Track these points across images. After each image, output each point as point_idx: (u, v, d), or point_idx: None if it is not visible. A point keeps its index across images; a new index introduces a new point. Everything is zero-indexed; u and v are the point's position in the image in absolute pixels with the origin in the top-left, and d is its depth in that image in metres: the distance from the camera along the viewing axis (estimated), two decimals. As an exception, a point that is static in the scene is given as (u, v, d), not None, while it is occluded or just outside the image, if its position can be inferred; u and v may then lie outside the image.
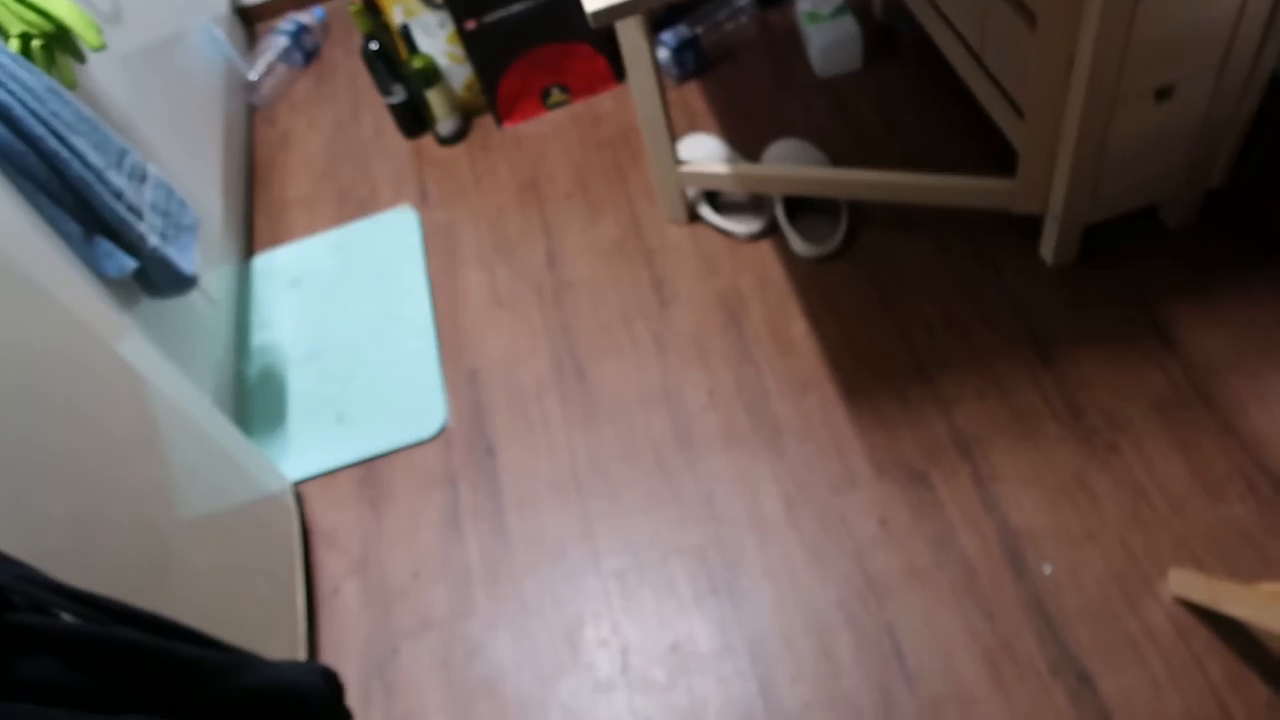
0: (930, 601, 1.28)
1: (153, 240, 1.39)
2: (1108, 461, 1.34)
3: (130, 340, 1.30)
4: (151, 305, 1.49)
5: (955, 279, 1.58)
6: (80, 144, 1.30)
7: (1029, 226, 1.58)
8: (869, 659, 1.26)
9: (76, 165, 1.28)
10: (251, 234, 2.03)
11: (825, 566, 1.34)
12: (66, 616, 0.73)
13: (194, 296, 1.68)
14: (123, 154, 1.41)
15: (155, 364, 1.34)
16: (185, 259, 1.47)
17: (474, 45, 1.92)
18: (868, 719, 1.21)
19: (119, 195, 1.36)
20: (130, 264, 1.36)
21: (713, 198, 1.77)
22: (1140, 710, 1.15)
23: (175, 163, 1.73)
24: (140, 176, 1.45)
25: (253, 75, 2.24)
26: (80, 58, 1.49)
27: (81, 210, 1.31)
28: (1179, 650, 1.18)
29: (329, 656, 1.42)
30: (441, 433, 1.62)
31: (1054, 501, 1.33)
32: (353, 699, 1.38)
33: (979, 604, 1.27)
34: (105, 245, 1.34)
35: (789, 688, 1.26)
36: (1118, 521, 1.29)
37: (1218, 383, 1.38)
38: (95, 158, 1.33)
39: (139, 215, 1.40)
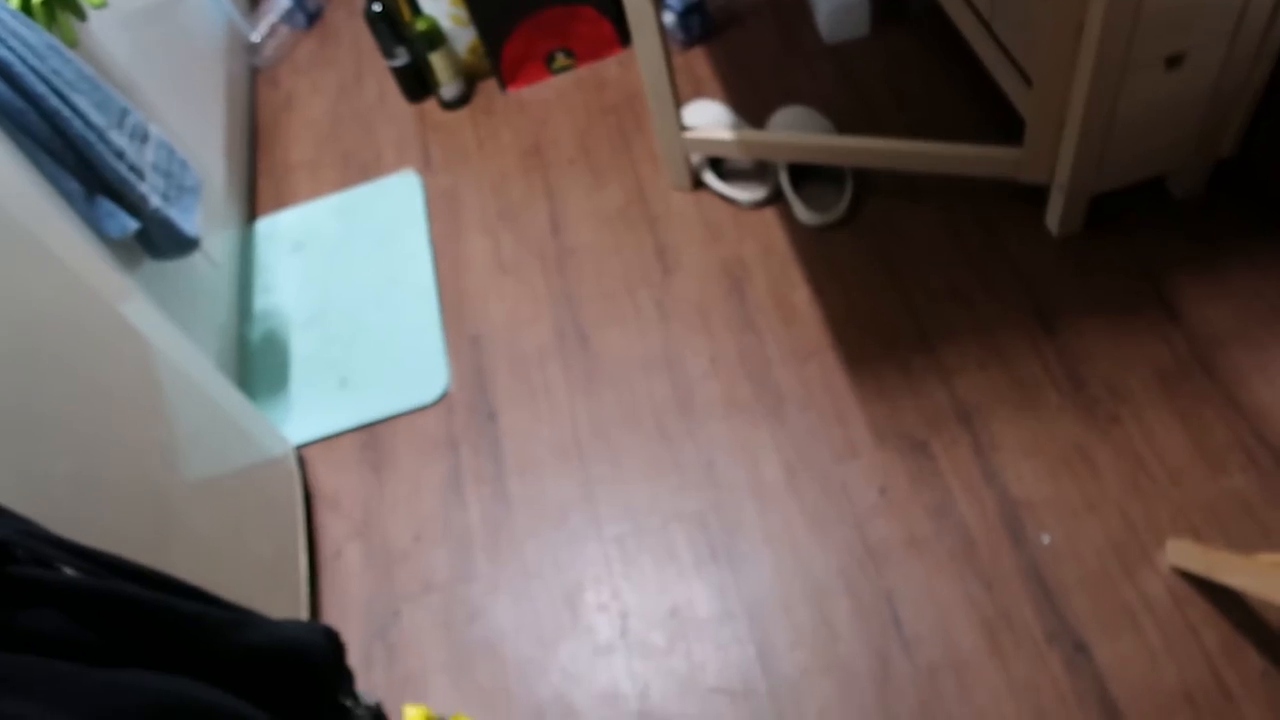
0: (929, 570, 1.29)
1: (154, 201, 1.39)
2: (1108, 432, 1.34)
3: (133, 302, 1.30)
4: (154, 267, 1.49)
5: (960, 248, 1.57)
6: (81, 102, 1.30)
7: (1035, 196, 1.57)
8: (867, 626, 1.26)
9: (78, 124, 1.27)
10: (254, 197, 2.03)
11: (825, 534, 1.35)
12: (68, 570, 0.73)
13: (196, 259, 1.67)
14: (124, 113, 1.40)
15: (158, 326, 1.35)
16: (187, 220, 1.47)
17: (478, 7, 1.90)
18: (865, 685, 1.22)
19: (120, 155, 1.35)
20: (132, 224, 1.35)
21: (717, 165, 1.76)
22: (1135, 679, 1.16)
23: (177, 124, 1.72)
24: (142, 136, 1.44)
25: (255, 37, 2.22)
26: (81, 15, 1.47)
27: (83, 169, 1.30)
28: (1175, 620, 1.19)
29: (331, 619, 1.43)
30: (443, 397, 1.62)
31: (1054, 471, 1.33)
32: (355, 661, 1.39)
33: (977, 573, 1.27)
34: (107, 205, 1.34)
35: (787, 653, 1.27)
36: (1117, 492, 1.29)
37: (1221, 354, 1.38)
38: (96, 117, 1.32)
39: (141, 175, 1.39)
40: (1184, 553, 1.21)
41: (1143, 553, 1.24)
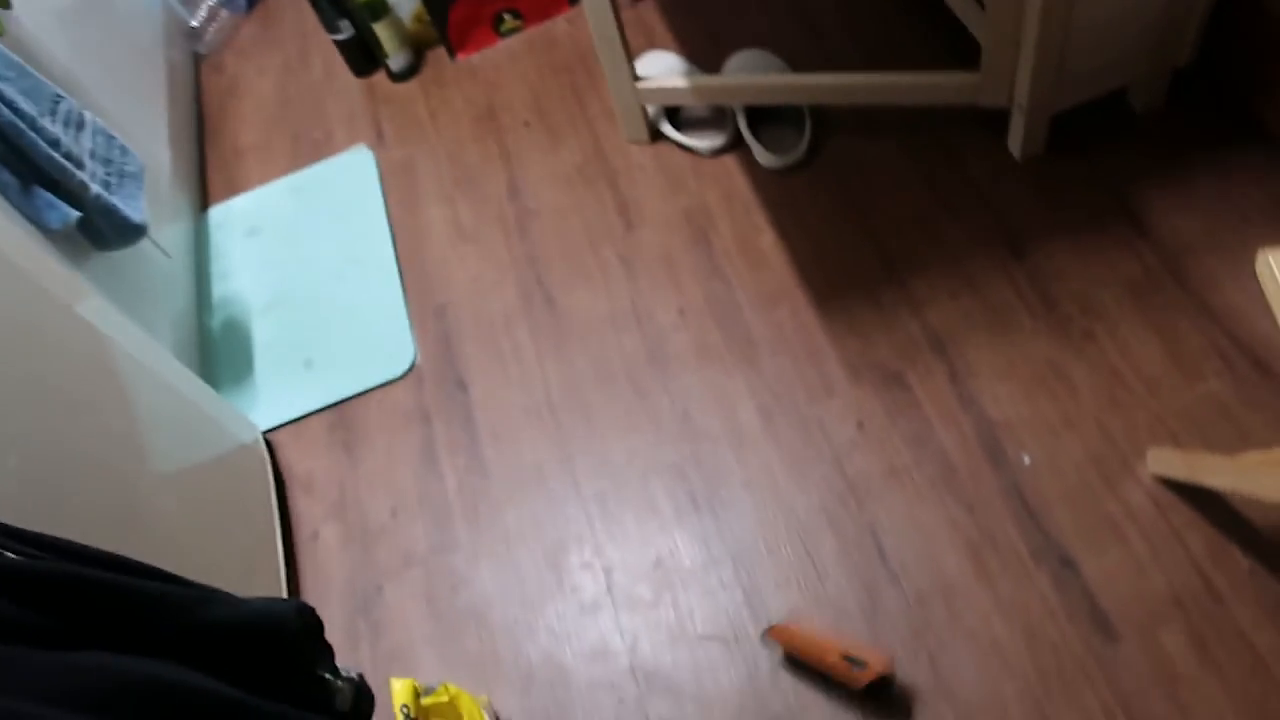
0: (911, 499, 1.27)
1: (95, 188, 1.35)
2: (1083, 349, 1.33)
3: (85, 297, 1.26)
4: (105, 262, 1.45)
5: (923, 180, 1.55)
6: (7, 90, 1.25)
7: (995, 122, 1.55)
8: (853, 560, 1.25)
9: (5, 112, 1.23)
10: (205, 185, 1.98)
11: (805, 473, 1.33)
12: (9, 555, 0.71)
13: (149, 251, 1.63)
14: (56, 100, 1.36)
15: (113, 320, 1.31)
16: (132, 207, 1.43)
17: (418, -27, 1.86)
18: (855, 618, 1.21)
19: (55, 143, 1.31)
20: (73, 214, 1.32)
21: (674, 115, 1.73)
22: (1123, 589, 1.15)
23: (118, 114, 1.67)
24: (77, 124, 1.40)
25: (194, 21, 2.17)
26: (6, 3, 1.43)
27: (16, 160, 1.27)
28: (1160, 528, 1.18)
29: (312, 600, 1.41)
30: (411, 370, 1.60)
31: (1030, 392, 1.31)
32: (340, 639, 1.37)
33: (959, 498, 1.26)
34: (45, 196, 1.30)
35: (774, 594, 1.25)
36: (1094, 407, 1.28)
37: (1191, 262, 1.36)
38: (26, 105, 1.28)
39: (78, 164, 1.35)
40: (1165, 460, 1.20)
41: (1123, 464, 1.23)
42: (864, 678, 1.12)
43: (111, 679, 0.64)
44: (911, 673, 1.16)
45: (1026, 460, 1.26)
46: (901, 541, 1.25)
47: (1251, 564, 1.14)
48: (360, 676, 1.02)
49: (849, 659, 1.14)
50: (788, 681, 1.19)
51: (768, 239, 1.56)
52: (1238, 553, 1.15)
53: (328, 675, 0.94)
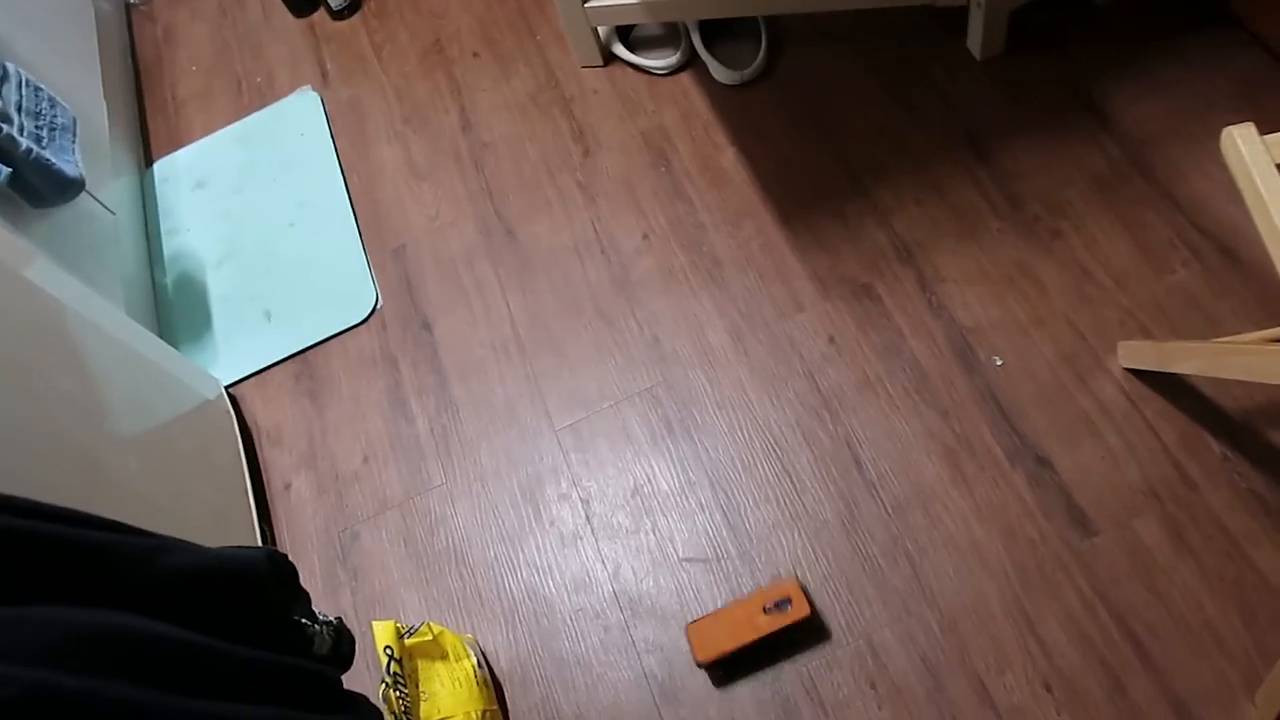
0: (885, 409, 1.27)
1: (25, 143, 1.29)
2: (1051, 248, 1.32)
3: (34, 262, 1.22)
4: (49, 224, 1.40)
5: (883, 87, 1.51)
6: (-81, 42, 1.19)
7: (954, 22, 1.51)
8: (829, 472, 1.25)
9: (-81, 66, 1.17)
10: (147, 139, 1.91)
11: (778, 390, 1.32)
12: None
13: (93, 209, 1.58)
14: (-27, 52, 1.30)
15: (59, 281, 1.26)
16: (66, 161, 1.37)
17: (349, -99, 1.78)
18: (834, 530, 1.21)
19: (-23, 97, 1.25)
20: (3, 170, 1.26)
21: (626, 35, 1.68)
22: (1099, 483, 1.16)
23: (46, 67, 1.60)
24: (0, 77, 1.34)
25: (120, -31, 2.07)
26: (-92, -47, 1.35)
27: (-64, 116, 1.21)
28: (1133, 420, 1.18)
29: (290, 551, 1.39)
30: (373, 314, 1.56)
31: (999, 295, 1.30)
32: (320, 588, 1.36)
33: (933, 404, 1.25)
34: (-28, 153, 1.24)
35: (754, 512, 1.25)
36: (1064, 305, 1.27)
37: (1155, 153, 1.34)
38: (-60, 57, 1.22)
39: (5, 118, 1.29)
40: (1136, 352, 1.20)
41: (1095, 360, 1.23)
42: (799, 610, 1.13)
43: (62, 630, 0.62)
44: (893, 580, 1.17)
45: (998, 362, 1.26)
46: (878, 451, 1.24)
47: (1224, 450, 1.14)
48: (339, 620, 1.01)
49: (773, 608, 1.14)
50: (771, 597, 1.19)
51: (729, 157, 1.52)
52: (1210, 440, 1.15)
53: (304, 620, 0.93)
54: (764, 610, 1.15)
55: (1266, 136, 0.86)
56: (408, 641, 1.17)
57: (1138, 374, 1.20)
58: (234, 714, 0.68)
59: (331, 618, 0.99)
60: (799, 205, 1.45)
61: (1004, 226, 1.35)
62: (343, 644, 0.98)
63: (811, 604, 1.15)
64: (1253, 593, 1.07)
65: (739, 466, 1.28)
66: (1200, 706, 1.03)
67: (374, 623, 1.16)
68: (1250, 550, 1.09)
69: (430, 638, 1.18)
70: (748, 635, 1.14)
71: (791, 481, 1.25)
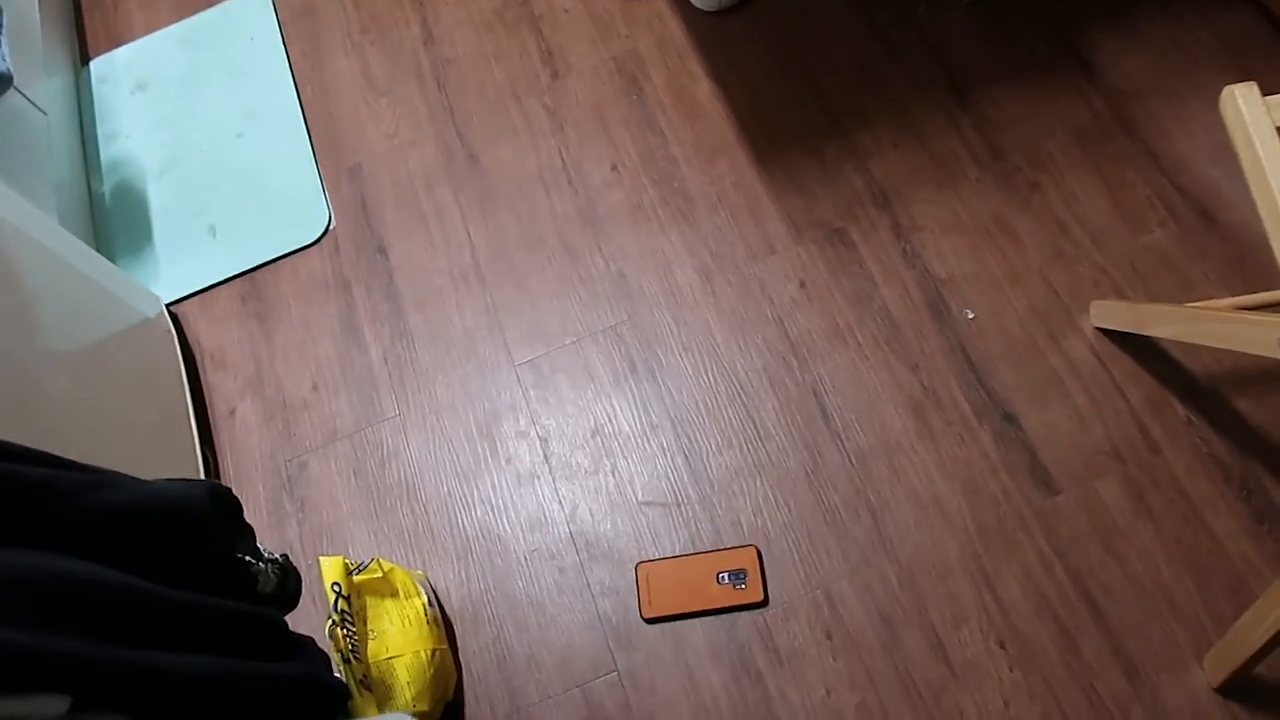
0: (854, 358, 1.24)
1: (-55, 31, 1.19)
2: (1029, 201, 1.29)
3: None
4: (-35, 114, 1.30)
5: (865, 23, 1.46)
6: None
7: (943, -42, 1.46)
8: (794, 421, 1.23)
9: None
10: (83, 34, 1.79)
11: (745, 335, 1.29)
12: None
13: (22, 108, 1.47)
14: (-114, -74, 1.18)
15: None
16: (-8, 54, 1.26)
17: None
18: (797, 479, 1.20)
19: (-110, -23, 1.14)
20: (-79, 60, 1.16)
21: (600, -48, 1.59)
22: (1064, 442, 1.15)
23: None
24: (-84, -45, 1.22)
25: None
26: None
27: None
28: (1101, 380, 1.18)
29: (233, 479, 1.34)
30: (326, 236, 1.49)
31: (975, 247, 1.28)
32: (264, 519, 1.31)
33: (902, 356, 1.23)
34: (-115, 39, 1.14)
35: (716, 457, 1.23)
36: (1039, 260, 1.25)
37: (1139, 109, 1.32)
38: None
39: (-78, 2, 1.18)
40: (1108, 312, 1.18)
41: (1067, 318, 1.21)
42: (751, 593, 1.12)
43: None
44: (854, 531, 1.16)
45: (970, 315, 1.24)
46: (844, 401, 1.22)
47: (1189, 413, 1.14)
48: (285, 557, 0.97)
49: (727, 580, 1.13)
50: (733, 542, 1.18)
51: (704, 88, 1.46)
52: (1176, 403, 1.15)
53: (248, 558, 0.88)
54: (717, 579, 1.14)
55: (1269, 98, 0.84)
56: (356, 578, 1.13)
57: (1108, 334, 1.19)
58: (174, 666, 0.64)
59: (277, 555, 0.95)
60: (775, 143, 1.40)
61: (983, 176, 1.32)
62: (289, 582, 0.94)
63: (765, 586, 1.13)
64: (1208, 558, 1.08)
65: (703, 411, 1.26)
66: (1151, 668, 1.05)
67: (321, 558, 1.13)
68: (1208, 516, 1.09)
69: (380, 575, 1.15)
70: (696, 603, 1.14)
71: (756, 428, 1.23)
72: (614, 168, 1.44)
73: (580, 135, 1.47)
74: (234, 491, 0.90)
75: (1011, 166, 1.31)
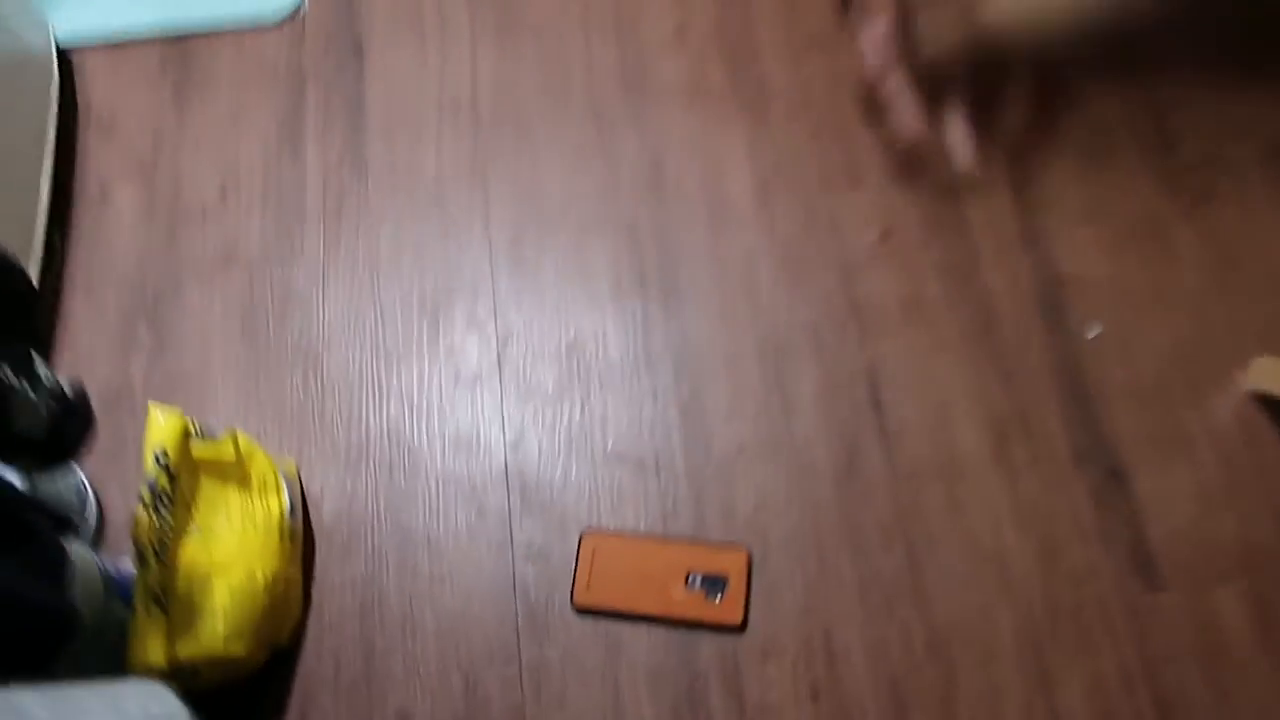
0: (930, 344, 0.94)
1: None
2: (1196, 211, 0.99)
3: None
4: None
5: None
6: None
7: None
8: (836, 403, 0.92)
9: None
10: None
11: (798, 278, 0.97)
12: None
13: None
14: None
15: None
16: None
17: None
18: (822, 477, 0.89)
19: None
20: None
21: None
22: (1182, 524, 0.86)
23: None
24: None
25: None
26: None
27: None
28: (1244, 458, 0.89)
29: (82, 277, 1.00)
30: (294, 15, 1.14)
31: (1116, 247, 0.98)
32: (105, 344, 0.97)
33: (994, 358, 0.93)
34: None
35: (722, 422, 0.92)
36: (1197, 287, 0.96)
37: (1357, 138, 1.03)
38: None
39: None
40: (1272, 375, 0.89)
41: (1218, 368, 0.92)
42: (728, 612, 0.83)
43: None
44: (881, 565, 0.85)
45: (1094, 332, 0.94)
46: (904, 394, 0.92)
47: (1356, 530, 0.86)
48: (79, 391, 0.64)
49: (699, 584, 0.83)
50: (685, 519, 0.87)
51: (818, -33, 1.14)
52: (1341, 513, 0.86)
53: (5, 368, 0.55)
54: (686, 580, 0.83)
55: None
56: (195, 449, 0.80)
57: (1267, 403, 0.90)
58: None
59: (65, 383, 0.62)
60: (890, 57, 1.08)
61: (1145, 163, 1.02)
62: (70, 425, 0.62)
63: (747, 606, 0.83)
64: (1341, 724, 0.80)
65: (720, 358, 0.94)
66: None
67: (152, 406, 0.79)
68: (1355, 669, 0.81)
69: (232, 455, 0.82)
70: (650, 604, 0.83)
71: (783, 399, 0.92)
72: (679, 29, 1.11)
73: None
74: (64, 294, 0.57)
75: (1183, 164, 1.02)
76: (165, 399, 0.92)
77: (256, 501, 0.82)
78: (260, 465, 0.83)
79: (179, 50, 1.14)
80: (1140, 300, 0.95)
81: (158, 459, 0.76)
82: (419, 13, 1.14)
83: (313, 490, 0.90)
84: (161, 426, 0.78)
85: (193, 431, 0.80)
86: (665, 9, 1.12)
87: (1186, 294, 0.95)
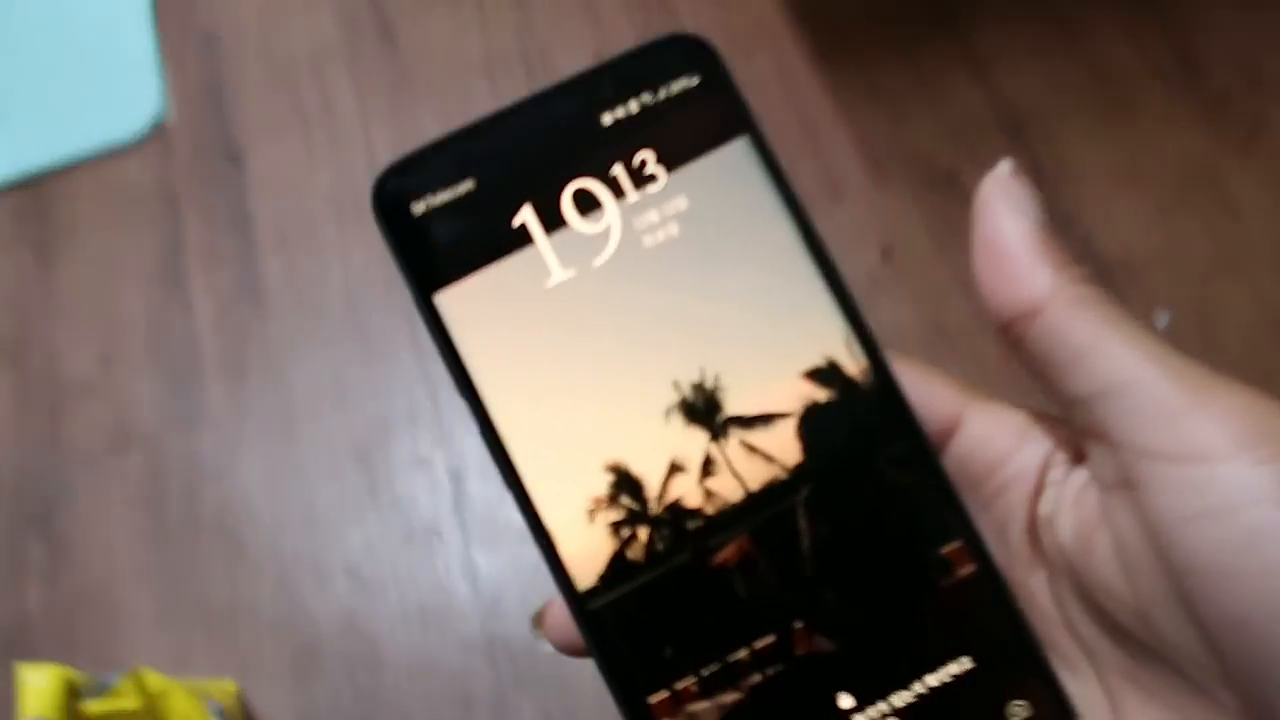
0: (964, 375, 0.77)
1: None
2: (1248, 145, 0.82)
3: None
4: None
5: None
6: None
7: None
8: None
9: None
10: None
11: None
12: None
13: None
14: None
15: None
16: None
17: None
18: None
19: None
20: None
21: None
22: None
23: None
24: None
25: None
26: None
27: None
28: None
29: (-44, 498, 0.84)
30: (156, 131, 0.98)
31: (1165, 211, 0.81)
32: (-2, 567, 0.81)
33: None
34: None
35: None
36: (1270, 236, 0.79)
37: None
38: None
39: None
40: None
41: (1323, 335, 0.75)
42: None
43: None
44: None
45: (1163, 322, 0.77)
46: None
47: None
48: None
49: None
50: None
51: (740, -46, 0.97)
52: None
53: None
54: None
55: None
56: (88, 708, 0.64)
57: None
58: None
59: None
60: (844, 36, 0.92)
61: (1175, 104, 0.85)
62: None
63: None
64: None
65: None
66: None
67: (22, 668, 0.63)
68: None
69: (137, 702, 0.65)
70: None
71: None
72: (597, 58, 0.95)
73: (553, 9, 0.98)
74: None
75: (1220, 91, 0.84)
76: (71, 631, 0.77)
77: (185, 751, 0.66)
78: (179, 706, 0.67)
79: (32, 198, 0.98)
80: (1207, 270, 0.78)
81: (36, 742, 0.59)
82: (298, 102, 0.98)
83: (261, 713, 0.74)
84: (38, 690, 0.62)
85: (79, 684, 0.64)
86: (579, 39, 0.96)
87: (1260, 249, 0.78)
